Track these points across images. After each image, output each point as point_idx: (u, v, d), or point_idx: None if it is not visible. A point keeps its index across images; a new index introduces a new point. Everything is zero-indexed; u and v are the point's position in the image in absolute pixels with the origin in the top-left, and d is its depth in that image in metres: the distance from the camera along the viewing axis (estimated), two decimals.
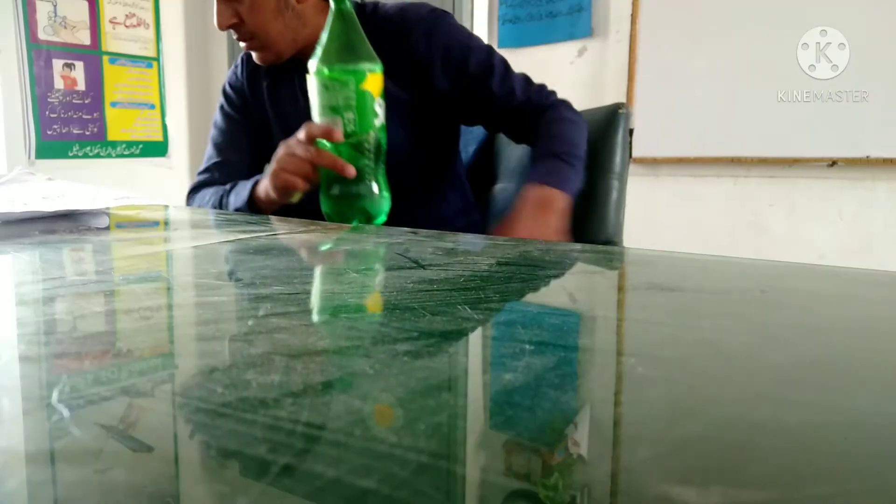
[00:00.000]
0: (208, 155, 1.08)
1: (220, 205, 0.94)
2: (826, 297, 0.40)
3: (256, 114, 1.06)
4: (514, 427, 0.20)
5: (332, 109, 0.75)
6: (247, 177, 0.93)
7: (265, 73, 1.03)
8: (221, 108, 1.09)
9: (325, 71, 0.76)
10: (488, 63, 0.94)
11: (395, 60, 0.88)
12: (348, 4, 0.77)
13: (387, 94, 0.78)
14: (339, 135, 0.73)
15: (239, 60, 1.08)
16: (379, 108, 0.77)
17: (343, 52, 0.76)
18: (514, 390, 0.22)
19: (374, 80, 0.76)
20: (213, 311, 0.32)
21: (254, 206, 0.87)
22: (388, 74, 0.78)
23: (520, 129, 0.99)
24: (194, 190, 1.05)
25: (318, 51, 0.77)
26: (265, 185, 0.83)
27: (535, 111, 0.95)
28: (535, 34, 2.25)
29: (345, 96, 0.75)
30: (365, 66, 0.76)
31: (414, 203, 0.96)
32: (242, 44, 0.95)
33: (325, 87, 0.75)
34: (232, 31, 0.92)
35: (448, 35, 0.94)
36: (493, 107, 0.96)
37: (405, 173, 0.91)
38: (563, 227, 0.83)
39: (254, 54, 0.96)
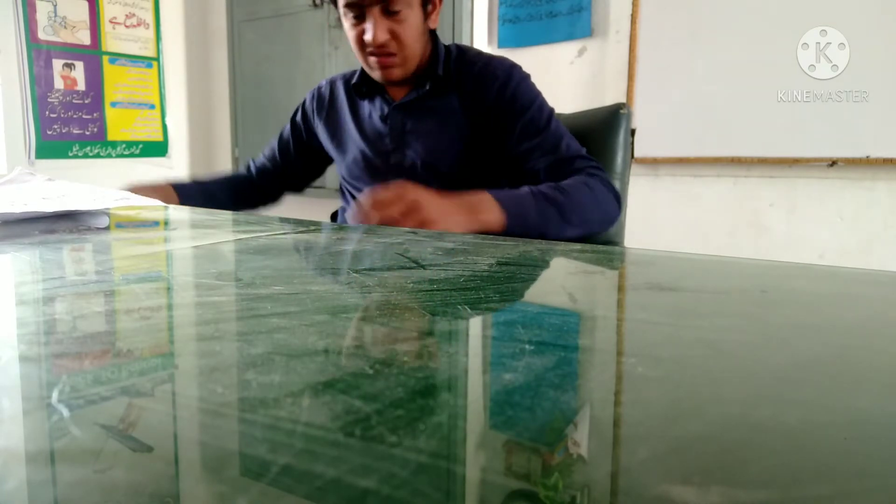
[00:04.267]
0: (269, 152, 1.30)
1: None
2: (826, 297, 0.40)
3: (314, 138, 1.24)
4: (514, 427, 0.20)
5: None
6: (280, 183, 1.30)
7: (349, 93, 1.15)
8: (297, 122, 1.26)
9: None
10: (543, 121, 1.01)
11: (470, 98, 1.02)
12: None
13: (455, 122, 0.95)
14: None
15: (317, 89, 1.22)
16: None
17: None
18: (514, 390, 0.22)
19: None
20: (213, 311, 0.32)
21: None
22: (461, 106, 0.96)
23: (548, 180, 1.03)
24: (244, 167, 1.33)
25: None
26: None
27: (567, 172, 0.99)
28: (535, 34, 2.25)
29: None
30: None
31: None
32: (373, 59, 1.01)
33: None
34: (371, 45, 0.99)
35: (518, 89, 1.03)
36: (531, 159, 1.01)
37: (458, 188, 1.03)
38: (465, 224, 0.79)
39: (380, 72, 1.03)
